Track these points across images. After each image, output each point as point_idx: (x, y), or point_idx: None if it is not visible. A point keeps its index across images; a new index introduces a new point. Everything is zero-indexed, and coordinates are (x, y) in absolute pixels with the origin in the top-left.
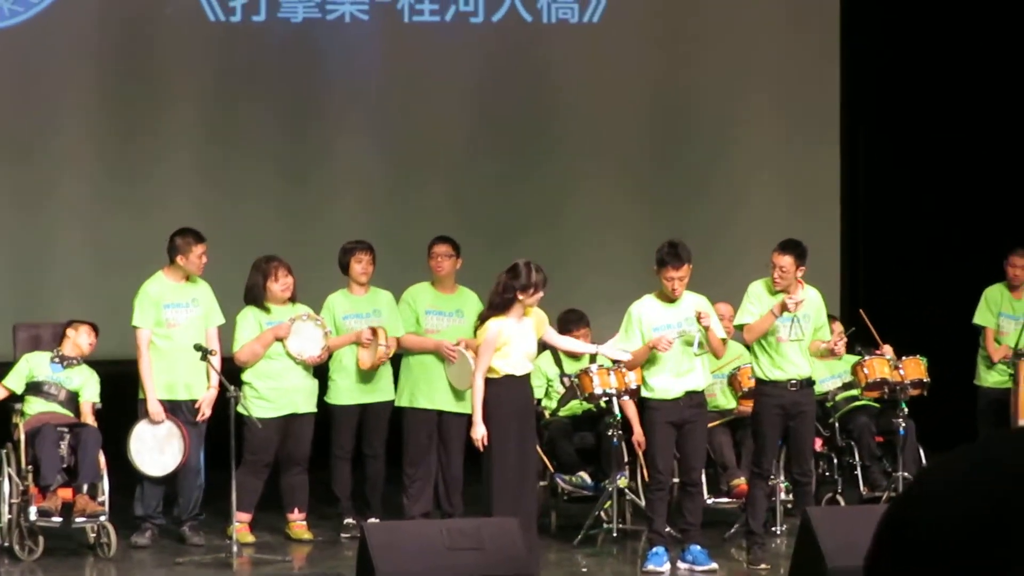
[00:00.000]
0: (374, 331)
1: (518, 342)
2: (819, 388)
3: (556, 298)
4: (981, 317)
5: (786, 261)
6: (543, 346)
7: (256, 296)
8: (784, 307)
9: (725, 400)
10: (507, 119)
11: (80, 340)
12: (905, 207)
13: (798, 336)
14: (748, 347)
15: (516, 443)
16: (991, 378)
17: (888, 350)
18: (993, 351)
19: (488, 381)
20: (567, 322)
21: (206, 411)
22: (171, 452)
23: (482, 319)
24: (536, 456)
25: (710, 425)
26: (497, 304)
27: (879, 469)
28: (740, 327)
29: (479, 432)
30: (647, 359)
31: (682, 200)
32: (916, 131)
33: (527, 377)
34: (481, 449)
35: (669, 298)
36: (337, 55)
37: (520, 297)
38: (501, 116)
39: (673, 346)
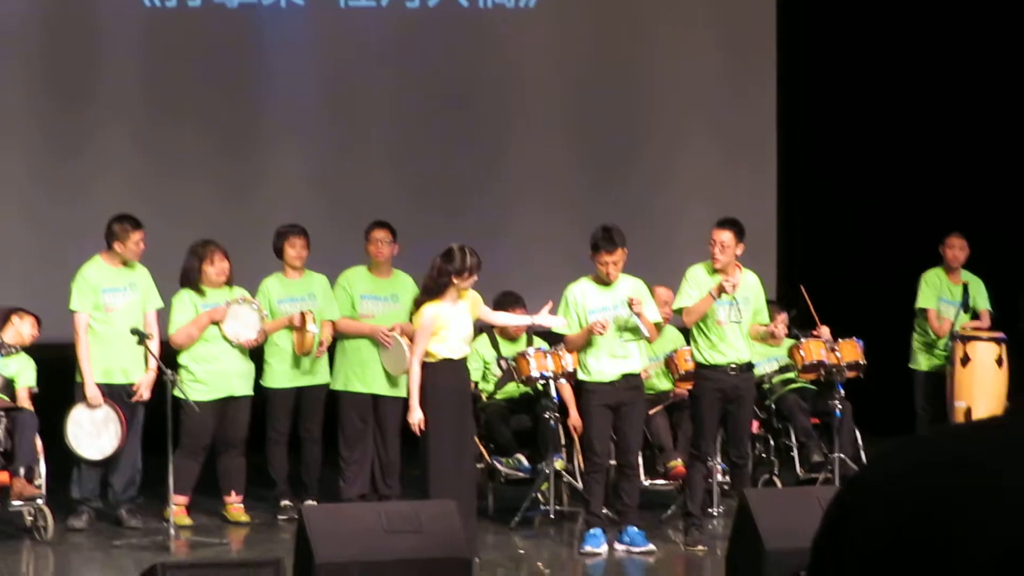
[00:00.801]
0: (303, 314)
1: (454, 326)
2: (756, 371)
3: (492, 280)
4: (924, 300)
5: (726, 236)
6: (479, 327)
7: (192, 279)
8: (722, 289)
9: (661, 383)
10: (444, 101)
11: (23, 329)
12: (841, 192)
13: (736, 319)
14: (686, 331)
15: (453, 426)
16: (926, 362)
17: (825, 331)
18: (938, 328)
19: (425, 365)
20: (502, 304)
21: (144, 393)
22: (108, 436)
23: (417, 304)
24: (473, 439)
25: (651, 412)
26: (432, 289)
27: (815, 446)
28: (679, 311)
29: (416, 416)
30: (584, 343)
31: (618, 181)
32: (853, 114)
33: (464, 361)
34: (418, 433)
35: (604, 281)
36: (273, 40)
37: (455, 281)
38: (439, 98)
39: (609, 329)
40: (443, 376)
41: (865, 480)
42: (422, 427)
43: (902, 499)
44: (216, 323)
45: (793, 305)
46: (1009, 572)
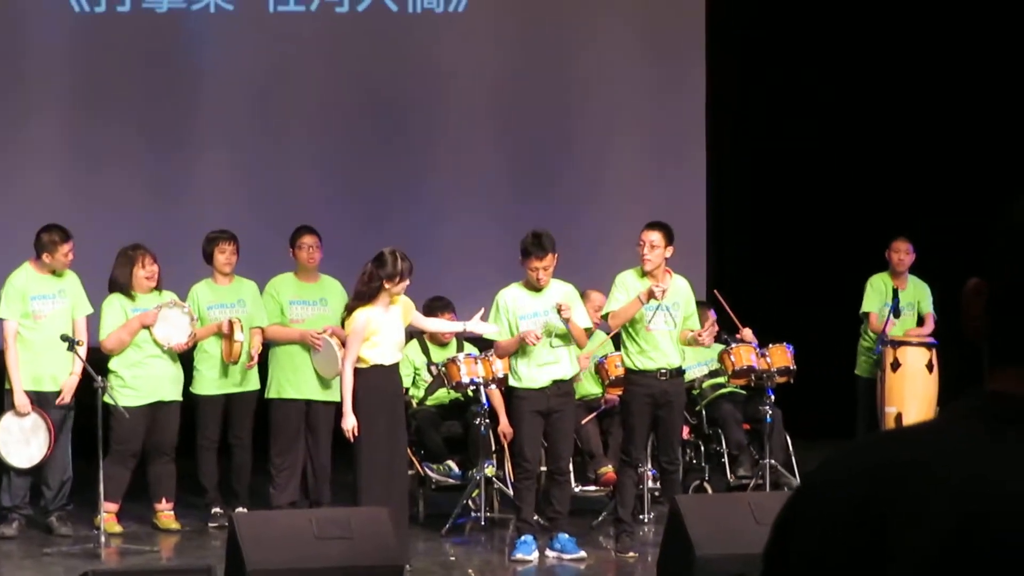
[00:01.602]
0: (231, 322)
1: (387, 331)
2: (687, 376)
3: (420, 287)
4: (869, 304)
5: (655, 236)
6: (411, 333)
7: (122, 284)
8: (651, 294)
9: (591, 387)
10: (373, 107)
11: None
12: (773, 197)
13: (669, 326)
14: (617, 337)
15: (385, 433)
16: (867, 367)
17: (748, 333)
18: (875, 322)
19: (357, 371)
20: (432, 309)
21: (67, 397)
22: (37, 444)
23: (349, 310)
24: (405, 446)
25: (584, 421)
26: (364, 294)
27: (746, 458)
28: (607, 316)
29: (349, 423)
30: (515, 349)
31: (548, 187)
32: (786, 116)
33: (396, 366)
34: (351, 440)
35: (535, 287)
36: (203, 45)
37: (387, 286)
38: (367, 104)
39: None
40: (375, 382)
41: (811, 486)
42: (356, 433)
43: (847, 502)
44: (147, 327)
45: (713, 308)
46: (946, 561)
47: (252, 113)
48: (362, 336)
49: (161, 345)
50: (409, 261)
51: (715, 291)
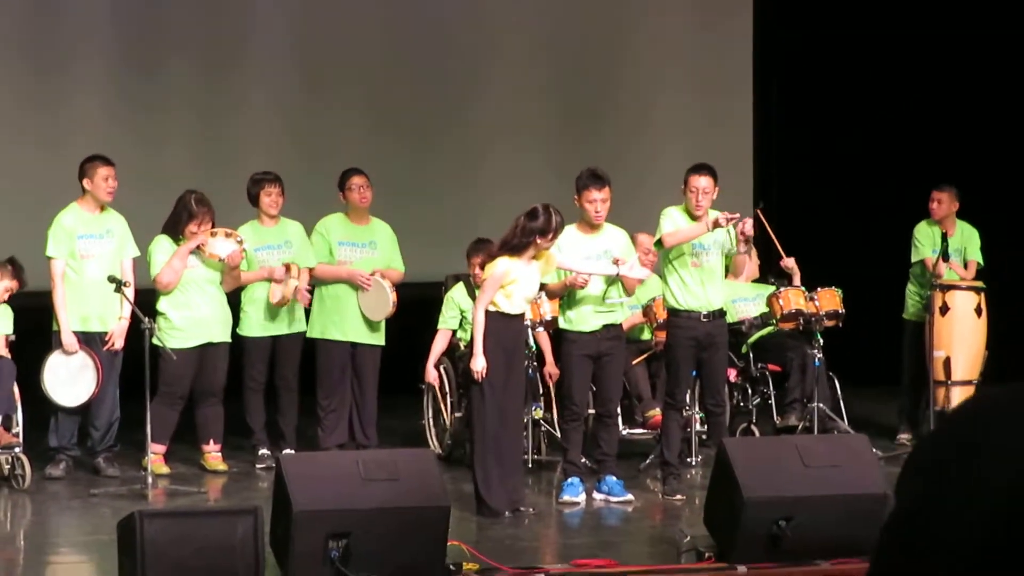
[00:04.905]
0: (287, 267)
1: (523, 283)
2: (735, 313)
3: (463, 222)
4: (924, 250)
5: (706, 182)
6: (457, 276)
7: (176, 231)
8: (716, 223)
9: (643, 332)
10: (417, 43)
11: None
12: (818, 139)
13: (713, 260)
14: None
15: (501, 377)
16: (916, 311)
17: (791, 262)
18: (931, 266)
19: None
20: (476, 250)
21: (118, 342)
22: (84, 383)
23: (491, 255)
24: (521, 392)
25: (633, 363)
26: (513, 245)
27: (800, 407)
28: (659, 244)
29: (479, 364)
30: (566, 290)
31: (593, 126)
32: (832, 60)
33: (521, 316)
34: (479, 380)
35: (591, 225)
36: None
37: (539, 241)
38: (411, 40)
39: (594, 283)
40: (494, 327)
41: (913, 458)
42: (484, 375)
43: (961, 529)
44: (199, 249)
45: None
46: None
47: (294, 50)
48: (499, 283)
49: (216, 265)
50: (561, 216)
51: (758, 209)
